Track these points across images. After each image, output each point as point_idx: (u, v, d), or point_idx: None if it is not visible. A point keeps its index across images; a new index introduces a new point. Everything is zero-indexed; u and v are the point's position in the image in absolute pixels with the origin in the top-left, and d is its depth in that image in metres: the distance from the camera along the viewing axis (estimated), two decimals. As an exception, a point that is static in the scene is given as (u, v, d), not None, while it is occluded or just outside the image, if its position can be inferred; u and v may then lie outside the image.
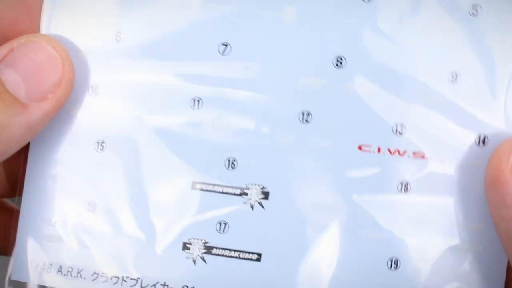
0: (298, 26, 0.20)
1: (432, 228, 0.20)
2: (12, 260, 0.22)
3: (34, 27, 0.21)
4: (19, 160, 0.22)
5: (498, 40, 0.20)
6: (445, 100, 0.20)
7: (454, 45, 0.20)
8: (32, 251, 0.22)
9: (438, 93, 0.20)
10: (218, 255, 0.21)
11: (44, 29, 0.21)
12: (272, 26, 0.20)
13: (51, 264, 0.21)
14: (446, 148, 0.20)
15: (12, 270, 0.22)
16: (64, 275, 0.21)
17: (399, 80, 0.20)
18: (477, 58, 0.20)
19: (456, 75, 0.20)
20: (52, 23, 0.21)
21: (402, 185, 0.20)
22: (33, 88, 0.19)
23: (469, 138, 0.20)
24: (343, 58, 0.20)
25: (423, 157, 0.20)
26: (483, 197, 0.20)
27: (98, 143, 0.21)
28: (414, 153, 0.20)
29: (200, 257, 0.21)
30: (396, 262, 0.20)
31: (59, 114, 0.21)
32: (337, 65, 0.20)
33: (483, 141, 0.20)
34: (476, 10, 0.20)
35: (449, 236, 0.20)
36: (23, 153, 0.22)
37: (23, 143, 0.20)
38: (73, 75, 0.20)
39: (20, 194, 0.22)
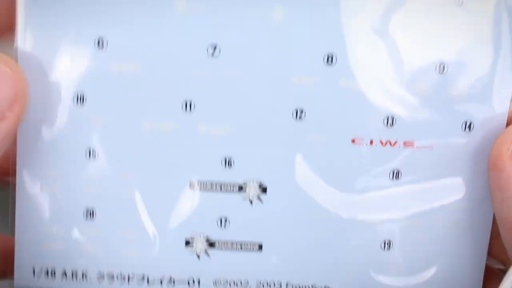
0: (287, 25, 0.20)
1: (422, 212, 0.21)
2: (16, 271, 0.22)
3: None
4: None
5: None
6: (433, 91, 0.20)
7: (441, 36, 0.20)
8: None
9: (426, 85, 0.20)
10: (221, 248, 0.22)
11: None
12: (261, 25, 0.20)
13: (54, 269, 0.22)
14: (434, 134, 0.21)
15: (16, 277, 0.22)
16: (70, 279, 0.22)
17: (387, 74, 0.20)
18: (463, 48, 0.20)
19: (443, 66, 0.20)
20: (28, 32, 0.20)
21: (393, 173, 0.21)
22: None
23: (456, 124, 0.21)
24: (333, 56, 0.20)
25: (413, 145, 0.21)
26: (470, 174, 0.21)
27: (89, 150, 0.21)
28: (405, 143, 0.21)
29: (203, 252, 0.22)
30: (389, 243, 0.22)
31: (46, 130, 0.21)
32: (328, 62, 0.20)
33: (469, 127, 0.21)
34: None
35: (439, 217, 0.21)
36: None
37: None
38: (27, 89, 0.20)
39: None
